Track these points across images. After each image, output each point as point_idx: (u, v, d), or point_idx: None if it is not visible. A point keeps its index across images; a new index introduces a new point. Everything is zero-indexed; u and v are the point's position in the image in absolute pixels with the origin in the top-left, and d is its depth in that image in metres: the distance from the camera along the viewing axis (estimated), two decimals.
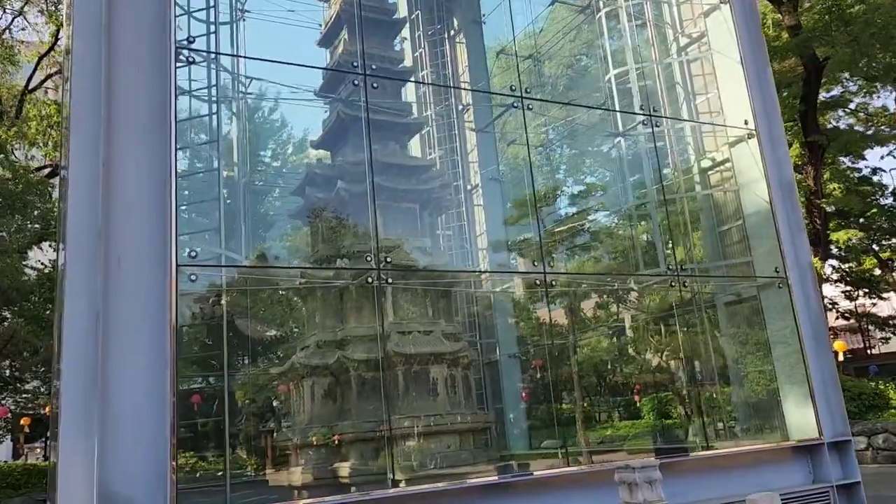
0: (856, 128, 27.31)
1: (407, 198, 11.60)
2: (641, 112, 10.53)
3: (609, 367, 19.34)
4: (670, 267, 9.79)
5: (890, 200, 27.55)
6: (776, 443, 9.94)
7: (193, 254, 6.69)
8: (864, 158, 27.01)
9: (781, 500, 7.17)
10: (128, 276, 6.32)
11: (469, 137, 16.67)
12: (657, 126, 10.14)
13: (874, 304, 35.21)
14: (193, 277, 6.63)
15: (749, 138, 10.52)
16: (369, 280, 7.90)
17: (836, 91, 26.96)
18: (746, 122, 10.55)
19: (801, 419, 9.96)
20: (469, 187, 16.48)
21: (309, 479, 10.34)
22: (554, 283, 9.08)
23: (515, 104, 9.35)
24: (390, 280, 8.05)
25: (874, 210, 26.61)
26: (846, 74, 23.88)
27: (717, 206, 11.66)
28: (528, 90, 9.83)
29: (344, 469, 10.23)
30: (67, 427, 5.85)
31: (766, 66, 11.02)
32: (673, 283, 9.72)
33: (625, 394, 18.95)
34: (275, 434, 13.86)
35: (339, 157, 12.05)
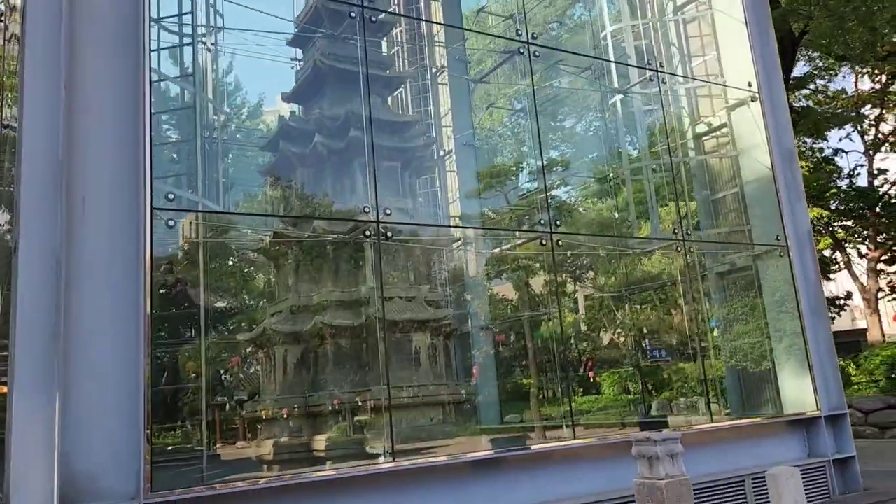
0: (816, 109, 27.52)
1: (390, 156, 10.81)
2: (648, 67, 9.98)
3: (596, 340, 18.94)
4: (676, 231, 9.32)
5: (847, 182, 27.98)
6: (774, 417, 9.67)
7: (171, 196, 5.84)
8: (826, 139, 27.31)
9: None
10: (94, 219, 5.44)
11: (444, 101, 15.93)
12: (660, 84, 9.61)
13: None
14: (171, 223, 5.79)
15: (752, 101, 10.10)
16: (367, 233, 7.16)
17: (799, 70, 27.10)
18: (750, 84, 10.12)
19: (796, 392, 9.69)
20: (442, 153, 15.78)
21: (280, 453, 9.62)
22: (560, 243, 8.49)
23: (521, 49, 8.65)
24: (390, 234, 7.32)
25: (833, 190, 26.96)
26: (815, 53, 23.88)
27: (712, 172, 11.25)
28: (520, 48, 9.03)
29: (319, 442, 9.55)
30: (23, 390, 4.97)
31: (769, 27, 10.60)
32: (679, 249, 9.29)
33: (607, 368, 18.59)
34: (240, 405, 13.06)
35: (317, 109, 11.17)
